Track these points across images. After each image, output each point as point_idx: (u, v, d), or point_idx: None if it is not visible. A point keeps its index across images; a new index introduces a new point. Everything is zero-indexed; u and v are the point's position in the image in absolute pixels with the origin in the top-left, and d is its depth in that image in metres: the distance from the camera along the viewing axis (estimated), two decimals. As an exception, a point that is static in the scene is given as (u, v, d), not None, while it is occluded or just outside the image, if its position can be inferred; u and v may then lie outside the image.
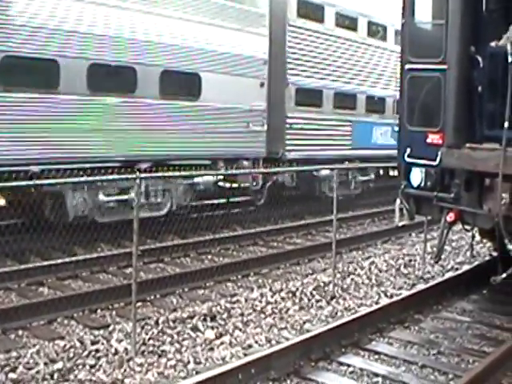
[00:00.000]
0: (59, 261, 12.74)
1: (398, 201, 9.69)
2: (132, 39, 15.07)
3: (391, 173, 26.49)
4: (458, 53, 8.88)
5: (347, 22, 22.50)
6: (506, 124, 8.14)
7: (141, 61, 15.25)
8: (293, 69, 20.04)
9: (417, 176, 9.37)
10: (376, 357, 8.46)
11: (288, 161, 19.70)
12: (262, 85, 18.59)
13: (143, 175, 8.95)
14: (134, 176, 8.69)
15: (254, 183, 18.64)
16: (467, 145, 8.80)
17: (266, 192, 19.25)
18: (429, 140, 9.22)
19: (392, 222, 15.88)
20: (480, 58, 8.90)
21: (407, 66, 9.63)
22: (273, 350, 7.94)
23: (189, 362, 8.04)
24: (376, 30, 24.23)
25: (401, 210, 9.81)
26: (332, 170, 18.96)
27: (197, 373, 7.63)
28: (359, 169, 22.47)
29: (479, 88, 8.98)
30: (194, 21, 16.53)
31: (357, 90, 23.10)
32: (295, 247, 15.64)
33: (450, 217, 8.99)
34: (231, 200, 19.18)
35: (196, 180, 16.98)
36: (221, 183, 18.24)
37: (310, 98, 20.82)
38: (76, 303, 10.36)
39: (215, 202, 18.21)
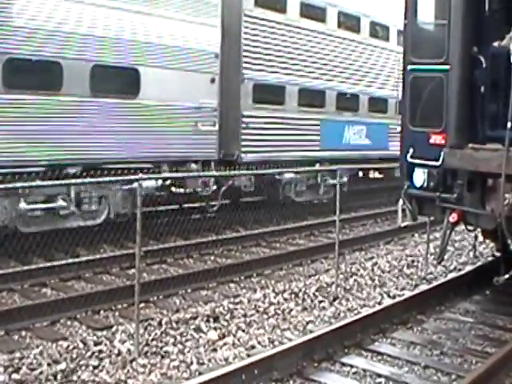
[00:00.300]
0: (62, 262, 12.75)
1: (401, 201, 9.69)
2: (56, 30, 13.62)
3: (372, 175, 26.30)
4: (460, 53, 8.88)
5: (314, 13, 20.75)
6: (509, 124, 8.12)
7: (67, 54, 13.82)
8: (250, 63, 18.39)
9: (419, 176, 9.37)
10: (379, 357, 8.46)
11: (245, 163, 18.06)
12: (212, 80, 17.02)
13: (145, 176, 8.95)
14: (136, 177, 8.70)
15: (205, 188, 17.06)
16: (470, 145, 8.80)
17: (220, 198, 17.62)
18: (431, 140, 9.22)
19: (394, 223, 15.95)
20: (482, 59, 8.90)
21: (410, 67, 9.64)
22: (276, 350, 7.94)
23: (192, 363, 8.04)
24: (348, 22, 22.44)
25: (403, 210, 9.81)
26: (297, 173, 19.07)
27: (200, 373, 7.63)
28: (329, 171, 20.14)
29: (482, 88, 8.98)
30: (130, 10, 15.06)
31: (326, 86, 21.35)
32: (298, 248, 15.63)
33: (453, 217, 8.99)
34: (183, 206, 18.12)
35: (135, 185, 14.86)
36: (173, 188, 16.90)
37: (270, 94, 19.21)
38: (79, 304, 10.36)
39: (162, 208, 17.18)
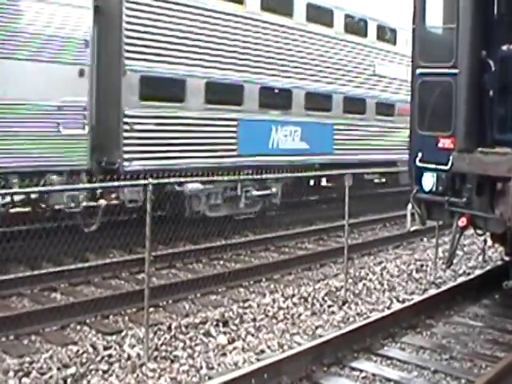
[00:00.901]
0: (71, 267, 12.80)
1: (410, 206, 9.69)
2: None
3: (324, 182, 24.11)
4: (469, 57, 8.88)
5: None
6: (518, 128, 8.14)
7: None
8: (134, 51, 14.96)
9: (428, 181, 9.37)
10: (388, 362, 8.45)
11: (129, 173, 14.08)
12: (81, 73, 13.79)
13: (155, 181, 8.96)
14: (145, 182, 8.73)
15: (73, 204, 13.83)
16: (479, 149, 8.79)
17: (100, 215, 14.32)
18: (440, 144, 9.22)
19: (403, 227, 15.92)
20: (491, 62, 8.91)
21: (418, 71, 9.64)
22: (285, 355, 7.93)
23: (201, 368, 8.05)
24: (275, 3, 18.98)
25: (412, 214, 9.81)
26: (206, 183, 16.01)
27: (209, 378, 7.63)
28: (256, 180, 17.62)
29: (490, 92, 8.98)
30: None
31: (245, 78, 17.75)
32: (307, 252, 15.63)
33: (462, 221, 8.98)
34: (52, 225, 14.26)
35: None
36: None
37: (164, 89, 15.90)
38: (88, 309, 10.38)
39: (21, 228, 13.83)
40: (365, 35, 22.63)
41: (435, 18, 9.71)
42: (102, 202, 14.36)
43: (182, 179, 14.42)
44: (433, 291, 11.51)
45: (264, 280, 13.13)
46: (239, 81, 17.66)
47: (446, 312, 10.50)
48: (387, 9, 23.91)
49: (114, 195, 14.84)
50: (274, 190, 18.65)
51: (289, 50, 19.27)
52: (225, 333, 9.37)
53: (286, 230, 18.46)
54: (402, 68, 24.05)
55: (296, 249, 16.42)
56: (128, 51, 14.86)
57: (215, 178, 14.59)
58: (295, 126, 19.46)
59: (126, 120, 14.82)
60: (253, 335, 9.31)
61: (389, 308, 10.63)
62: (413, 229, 10.46)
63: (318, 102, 20.63)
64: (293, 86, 19.44)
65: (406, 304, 10.49)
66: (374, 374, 7.98)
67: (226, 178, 14.68)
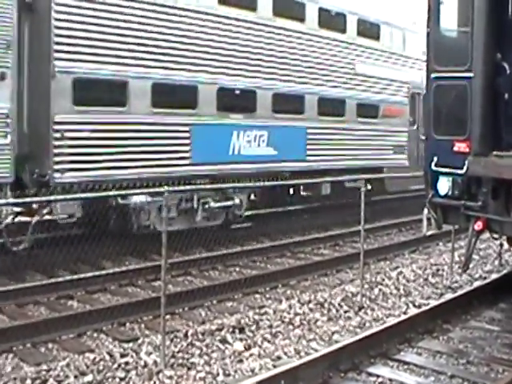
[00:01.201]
0: (88, 274, 12.83)
1: (426, 210, 9.67)
2: None
3: (302, 192, 21.22)
4: (483, 60, 8.85)
5: None
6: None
7: None
8: (65, 51, 13.41)
9: (444, 185, 9.33)
10: (405, 367, 8.42)
11: (61, 185, 13.14)
12: (1, 77, 12.54)
13: (171, 188, 8.99)
14: (161, 190, 8.76)
15: None
16: (494, 152, 8.76)
17: (30, 232, 13.03)
18: (455, 148, 9.18)
19: (419, 232, 15.87)
20: (506, 65, 8.87)
21: (433, 75, 9.62)
22: (302, 361, 7.93)
23: (218, 374, 8.05)
24: None
25: (428, 219, 9.78)
26: (155, 194, 13.75)
27: (226, 385, 7.66)
28: (215, 190, 16.31)
29: (505, 95, 8.95)
30: None
31: (198, 79, 15.96)
32: (323, 258, 15.60)
33: (478, 225, 8.94)
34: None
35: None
36: None
37: (102, 92, 14.29)
38: (105, 316, 10.40)
39: None
40: (343, 31, 20.80)
41: (449, 22, 9.69)
42: (32, 218, 13.11)
43: (139, 190, 13.07)
44: (449, 296, 11.48)
45: (280, 286, 13.11)
46: (192, 81, 15.92)
47: (462, 316, 10.46)
48: (369, 2, 22.16)
49: (46, 210, 13.39)
50: (236, 200, 17.15)
51: (252, 46, 17.54)
52: (241, 339, 9.37)
53: (302, 235, 18.41)
54: (387, 66, 22.95)
55: (312, 254, 16.38)
56: (58, 51, 13.33)
57: (160, 189, 12.68)
58: (261, 131, 17.72)
59: (56, 127, 13.34)
60: (269, 341, 9.31)
61: (405, 313, 10.60)
62: (429, 233, 10.44)
63: (288, 103, 18.97)
64: (257, 86, 17.65)
65: (423, 309, 10.49)
66: (390, 380, 7.96)
67: (176, 188, 12.13)
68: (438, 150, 9.49)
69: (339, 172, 19.59)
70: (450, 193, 9.27)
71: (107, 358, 8.55)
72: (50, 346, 9.51)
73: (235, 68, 17.00)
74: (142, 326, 10.52)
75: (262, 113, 17.81)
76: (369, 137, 21.91)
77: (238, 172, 16.92)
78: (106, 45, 14.11)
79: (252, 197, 18.65)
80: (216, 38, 16.44)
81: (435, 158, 9.46)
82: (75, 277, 12.63)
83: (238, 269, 14.58)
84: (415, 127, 24.46)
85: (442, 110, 9.56)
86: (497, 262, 14.21)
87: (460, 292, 11.58)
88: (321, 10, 19.59)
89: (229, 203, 17.07)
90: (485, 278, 12.86)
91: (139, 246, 14.88)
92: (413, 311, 10.55)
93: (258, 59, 17.68)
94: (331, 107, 20.41)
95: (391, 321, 9.86)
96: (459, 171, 9.04)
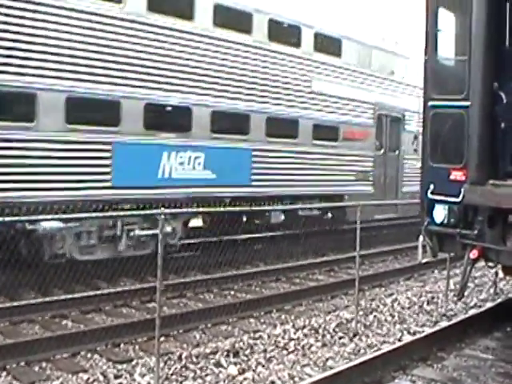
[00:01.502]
0: (83, 294, 12.83)
1: (421, 238, 9.70)
2: None
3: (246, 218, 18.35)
4: (480, 89, 8.92)
5: None
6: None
7: None
8: None
9: (440, 213, 9.38)
10: (399, 394, 8.42)
11: None
12: None
13: (167, 211, 9.00)
14: (158, 211, 8.77)
15: None
16: (490, 181, 8.81)
17: None
18: (452, 176, 9.25)
19: (414, 259, 15.88)
20: (503, 94, 8.95)
21: (430, 103, 9.69)
22: (296, 386, 7.93)
23: (212, 398, 8.05)
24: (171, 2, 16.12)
25: (424, 246, 9.81)
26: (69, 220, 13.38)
27: (219, 408, 7.64)
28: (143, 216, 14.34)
29: (502, 124, 9.02)
30: None
31: (121, 94, 14.41)
32: (318, 284, 15.59)
33: (474, 254, 8.98)
34: None
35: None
36: None
37: (6, 107, 12.85)
38: (99, 337, 10.37)
39: None
40: (297, 45, 19.11)
41: (447, 50, 9.79)
42: None
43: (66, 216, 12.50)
44: (444, 323, 11.47)
45: (275, 311, 13.09)
46: (115, 96, 14.31)
47: (457, 344, 10.44)
48: (329, 15, 20.45)
49: None
50: (168, 228, 15.14)
51: (187, 59, 15.86)
52: (235, 363, 9.35)
53: (297, 260, 18.39)
54: (350, 85, 21.24)
55: (307, 280, 16.37)
56: None
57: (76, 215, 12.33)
58: (196, 152, 16.07)
59: None
60: (263, 366, 9.29)
61: (400, 340, 10.60)
62: (424, 261, 10.46)
63: (230, 122, 17.35)
64: (193, 103, 15.97)
65: (417, 336, 10.47)
66: (384, 406, 7.96)
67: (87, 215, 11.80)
68: (434, 177, 9.55)
69: (293, 199, 18.64)
70: (445, 221, 9.32)
71: (101, 378, 8.55)
72: (44, 364, 9.48)
73: (166, 82, 15.39)
74: (137, 347, 10.49)
75: (199, 132, 16.18)
76: (327, 161, 20.27)
77: (167, 197, 15.27)
78: (11, 53, 12.66)
79: (198, 223, 17.26)
80: (145, 50, 14.93)
81: (431, 186, 9.51)
82: (70, 296, 12.62)
83: (233, 292, 14.56)
84: (382, 152, 23.13)
85: (438, 138, 9.63)
86: (492, 291, 14.22)
87: (455, 320, 11.57)
88: (271, 21, 18.09)
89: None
90: (480, 307, 12.85)
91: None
92: (407, 338, 10.53)
93: (194, 73, 16.04)
94: (282, 128, 18.82)
95: (386, 348, 9.85)
96: (455, 199, 9.09)
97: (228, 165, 16.73)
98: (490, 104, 8.99)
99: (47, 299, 12.36)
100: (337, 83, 20.70)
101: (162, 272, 8.42)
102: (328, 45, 20.30)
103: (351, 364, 8.79)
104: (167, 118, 15.75)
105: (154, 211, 9.29)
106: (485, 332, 11.06)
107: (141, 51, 14.79)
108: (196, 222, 17.20)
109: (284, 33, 18.72)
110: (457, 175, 9.20)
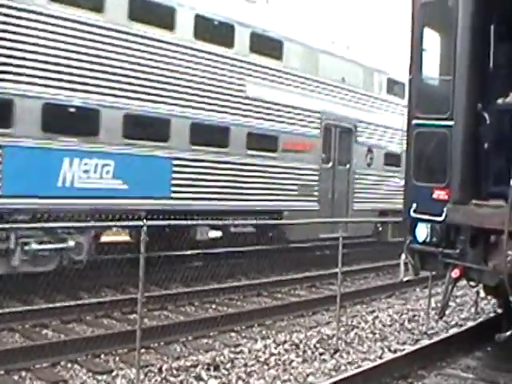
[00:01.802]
0: (64, 304, 12.79)
1: (403, 256, 9.75)
2: None
3: (200, 236, 16.93)
4: (464, 109, 9.01)
5: None
6: (512, 181, 8.21)
7: None
8: None
9: (422, 231, 9.44)
10: (378, 411, 8.44)
11: None
12: None
13: (149, 223, 9.00)
14: (140, 223, 8.75)
15: None
16: (473, 201, 8.88)
17: None
18: (435, 196, 9.31)
19: (396, 277, 15.92)
20: (487, 115, 9.03)
21: (414, 121, 9.77)
22: (275, 400, 7.93)
23: (191, 411, 8.04)
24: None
25: (406, 264, 9.86)
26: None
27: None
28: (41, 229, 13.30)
29: (485, 144, 9.09)
30: None
31: (14, 91, 12.83)
32: (299, 299, 15.60)
33: (455, 273, 9.04)
34: None
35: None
36: None
37: None
38: (80, 347, 10.31)
39: None
40: (230, 45, 17.40)
41: (432, 70, 9.88)
42: None
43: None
44: (425, 342, 11.49)
45: (256, 325, 13.08)
46: (7, 94, 12.78)
47: (437, 363, 10.45)
48: (268, 14, 19.20)
49: None
50: (71, 243, 13.89)
51: (99, 56, 14.27)
52: (216, 377, 9.33)
53: (279, 275, 18.39)
54: (291, 91, 19.42)
55: (289, 295, 16.39)
56: None
57: None
58: (105, 159, 14.37)
59: None
60: (244, 380, 9.27)
61: (381, 358, 10.59)
62: (406, 279, 10.51)
63: (147, 127, 15.58)
64: (100, 104, 14.26)
65: (398, 354, 10.48)
66: (363, 423, 7.96)
67: None
68: (417, 196, 9.62)
69: (222, 214, 16.87)
70: (428, 239, 9.38)
71: (80, 389, 8.52)
72: (24, 374, 9.42)
73: (69, 80, 13.70)
74: (117, 358, 10.44)
75: (108, 137, 14.44)
76: (263, 173, 18.51)
77: (67, 208, 13.67)
78: None
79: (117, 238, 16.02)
80: (44, 44, 13.37)
81: (414, 205, 9.57)
82: (51, 305, 12.58)
83: (214, 306, 14.55)
84: (330, 165, 21.25)
85: (422, 157, 9.70)
86: (473, 310, 14.25)
87: (436, 338, 11.59)
88: (198, 17, 16.42)
89: (60, 246, 13.77)
90: (461, 326, 12.89)
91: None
92: (388, 356, 10.54)
93: (104, 71, 14.37)
94: (210, 135, 17.05)
95: (367, 365, 9.85)
96: (438, 218, 9.15)
97: (143, 174, 15.06)
98: (474, 124, 9.07)
99: (28, 308, 12.31)
100: (277, 89, 18.97)
101: (143, 284, 8.42)
102: (267, 46, 18.65)
103: (332, 380, 8.76)
104: (70, 121, 13.95)
105: (136, 223, 9.24)
106: (466, 351, 11.08)
107: (43, 46, 13.31)
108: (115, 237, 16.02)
109: (213, 31, 17.01)
110: (440, 194, 9.26)
